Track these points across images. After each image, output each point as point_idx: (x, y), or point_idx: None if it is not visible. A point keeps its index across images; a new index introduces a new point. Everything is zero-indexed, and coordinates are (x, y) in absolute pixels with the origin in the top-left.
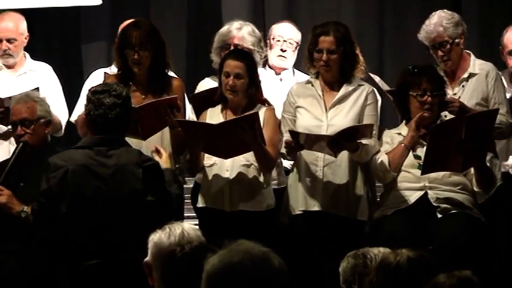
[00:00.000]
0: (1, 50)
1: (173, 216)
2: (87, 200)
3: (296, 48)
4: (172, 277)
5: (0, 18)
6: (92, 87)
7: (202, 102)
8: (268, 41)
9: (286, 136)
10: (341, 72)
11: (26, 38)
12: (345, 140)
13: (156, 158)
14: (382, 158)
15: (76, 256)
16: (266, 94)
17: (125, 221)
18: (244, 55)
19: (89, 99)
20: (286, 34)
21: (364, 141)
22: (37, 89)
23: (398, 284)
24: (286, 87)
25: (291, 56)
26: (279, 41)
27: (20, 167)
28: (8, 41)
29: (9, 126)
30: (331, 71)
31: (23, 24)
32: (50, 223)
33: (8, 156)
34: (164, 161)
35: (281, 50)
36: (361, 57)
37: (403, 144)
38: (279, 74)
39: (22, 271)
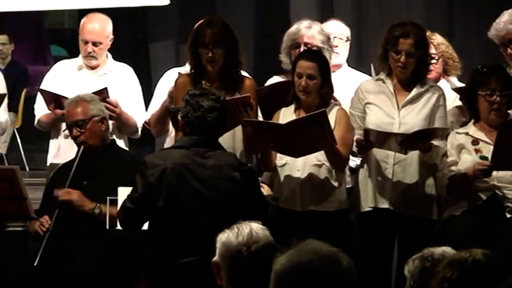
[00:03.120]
0: (85, 52)
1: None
2: (184, 199)
3: (346, 42)
4: (239, 276)
5: (88, 20)
6: (190, 90)
7: (269, 96)
8: None
9: (355, 132)
10: (414, 73)
11: (110, 41)
12: (419, 139)
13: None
14: (445, 179)
15: (167, 255)
16: None
17: (219, 222)
18: (316, 55)
19: (187, 101)
20: (335, 30)
21: (435, 142)
22: (105, 89)
23: (475, 280)
24: (344, 83)
25: (343, 51)
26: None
27: (82, 167)
28: (94, 43)
29: (67, 131)
30: (406, 72)
31: (109, 27)
32: (141, 221)
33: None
34: (265, 191)
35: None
36: (455, 55)
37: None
38: (334, 71)
39: (90, 269)
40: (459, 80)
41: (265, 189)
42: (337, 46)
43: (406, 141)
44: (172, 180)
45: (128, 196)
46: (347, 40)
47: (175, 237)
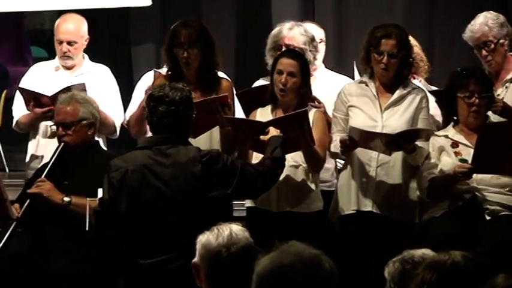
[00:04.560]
0: (61, 52)
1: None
2: (146, 200)
3: (321, 43)
4: (219, 278)
5: (62, 20)
6: (149, 92)
7: (250, 99)
8: None
9: (337, 135)
10: (396, 75)
11: (86, 41)
12: (404, 140)
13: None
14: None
15: (135, 256)
16: None
17: (185, 220)
18: (298, 55)
19: (146, 104)
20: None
21: (419, 143)
22: (83, 84)
23: (455, 282)
24: (320, 85)
25: (319, 53)
26: None
27: (64, 167)
28: (69, 43)
29: (53, 126)
30: (389, 74)
31: (84, 27)
32: (111, 223)
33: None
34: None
35: None
36: (424, 57)
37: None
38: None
39: (71, 270)
40: (435, 83)
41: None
42: None
43: (392, 142)
44: (134, 182)
45: (98, 199)
46: (321, 41)
47: (140, 238)
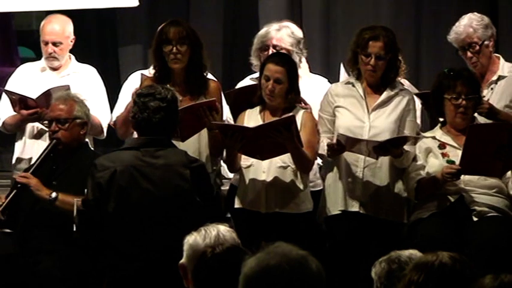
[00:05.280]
0: (46, 53)
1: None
2: (134, 201)
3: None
4: (205, 279)
5: (48, 21)
6: (138, 90)
7: (238, 99)
8: None
9: (323, 137)
10: (384, 77)
11: (71, 41)
12: (392, 146)
13: None
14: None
15: (120, 258)
16: None
17: (172, 221)
18: (285, 60)
19: (134, 102)
20: None
21: (406, 147)
22: (67, 86)
23: (442, 283)
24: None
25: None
26: None
27: (53, 167)
28: (54, 44)
29: (46, 122)
30: (376, 75)
31: (69, 28)
32: (96, 224)
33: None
34: None
35: None
36: (401, 59)
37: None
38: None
39: (57, 271)
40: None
41: None
42: None
43: (380, 148)
44: (123, 183)
45: (82, 199)
46: (301, 41)
47: (128, 239)
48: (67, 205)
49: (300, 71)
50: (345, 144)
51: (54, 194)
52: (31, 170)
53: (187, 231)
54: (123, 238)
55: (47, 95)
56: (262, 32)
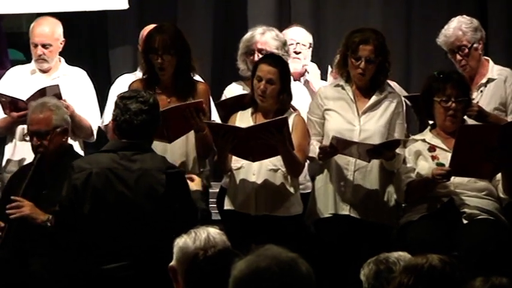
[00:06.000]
0: (36, 55)
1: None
2: (109, 204)
3: (309, 49)
4: (195, 281)
5: (37, 24)
6: (120, 93)
7: (229, 109)
8: None
9: (313, 139)
10: (373, 80)
11: (61, 44)
12: (385, 149)
13: (190, 184)
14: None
15: (95, 259)
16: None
17: (146, 226)
18: (278, 61)
19: (116, 104)
20: (297, 37)
21: (397, 150)
22: (57, 86)
23: (432, 286)
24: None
25: (306, 58)
26: (292, 44)
27: (41, 176)
28: (44, 46)
29: (27, 136)
30: (365, 78)
31: (59, 30)
32: (71, 225)
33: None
34: (196, 184)
35: (295, 52)
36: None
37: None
38: (297, 79)
39: (46, 274)
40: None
41: (196, 182)
42: (299, 52)
43: (373, 151)
44: (98, 185)
45: (58, 200)
46: (310, 47)
47: (102, 242)
48: None
49: (308, 76)
50: (338, 146)
51: (49, 223)
52: (21, 191)
53: (162, 235)
54: (97, 239)
55: (38, 95)
56: (247, 36)
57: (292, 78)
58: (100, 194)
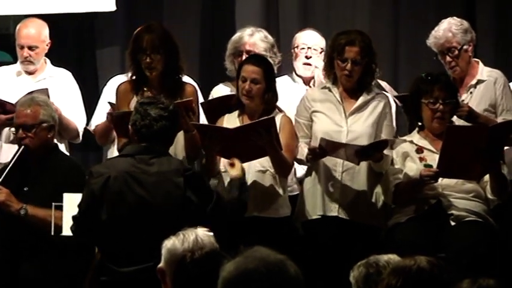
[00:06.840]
0: (22, 57)
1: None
2: (128, 206)
3: (321, 53)
4: (183, 283)
5: (23, 25)
6: (140, 99)
7: (214, 109)
8: (292, 51)
9: (300, 141)
10: (360, 81)
11: (47, 45)
12: (374, 150)
13: (229, 169)
14: (391, 187)
15: (113, 263)
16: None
17: (166, 228)
18: (261, 61)
19: (136, 110)
20: (310, 41)
21: (385, 151)
22: (46, 90)
23: (420, 287)
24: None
25: (317, 63)
26: (303, 48)
27: (23, 172)
28: (30, 48)
29: (13, 129)
30: (352, 80)
31: (45, 31)
32: (90, 230)
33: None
34: (236, 169)
35: (306, 57)
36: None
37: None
38: (309, 83)
39: (37, 275)
40: (401, 87)
41: (236, 167)
42: (310, 57)
43: (362, 153)
44: (116, 188)
45: (78, 206)
46: (321, 52)
47: (121, 245)
48: (36, 219)
49: (317, 82)
50: (326, 148)
51: (23, 211)
52: (1, 179)
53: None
54: (117, 243)
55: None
56: (235, 37)
57: (302, 82)
58: (119, 197)
